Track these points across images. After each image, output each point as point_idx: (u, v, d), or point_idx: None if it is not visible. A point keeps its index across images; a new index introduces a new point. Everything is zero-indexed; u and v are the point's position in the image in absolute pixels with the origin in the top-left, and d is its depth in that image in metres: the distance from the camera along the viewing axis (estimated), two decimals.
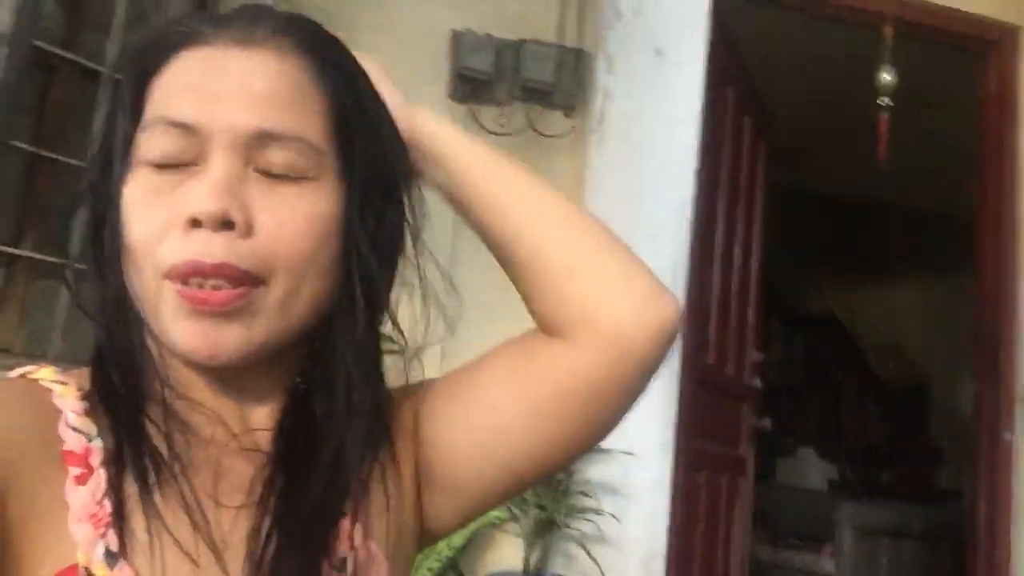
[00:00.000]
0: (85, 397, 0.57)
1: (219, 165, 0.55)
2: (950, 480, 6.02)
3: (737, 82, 2.94)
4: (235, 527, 0.57)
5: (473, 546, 1.96)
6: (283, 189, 0.57)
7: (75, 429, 0.54)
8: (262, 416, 0.61)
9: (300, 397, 0.61)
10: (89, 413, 0.56)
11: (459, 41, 2.34)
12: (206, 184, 0.55)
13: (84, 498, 0.52)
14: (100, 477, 0.53)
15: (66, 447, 0.53)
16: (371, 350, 0.63)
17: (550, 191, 0.70)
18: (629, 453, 2.06)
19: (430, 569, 1.65)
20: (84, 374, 0.59)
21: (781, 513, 5.15)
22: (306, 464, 0.59)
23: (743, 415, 3.05)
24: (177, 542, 0.53)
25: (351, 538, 0.60)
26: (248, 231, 0.55)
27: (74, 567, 0.50)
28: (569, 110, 2.38)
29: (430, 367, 2.14)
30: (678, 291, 2.31)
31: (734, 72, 2.90)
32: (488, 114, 2.34)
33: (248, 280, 0.55)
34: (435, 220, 2.37)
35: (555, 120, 2.37)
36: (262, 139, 0.56)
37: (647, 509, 2.14)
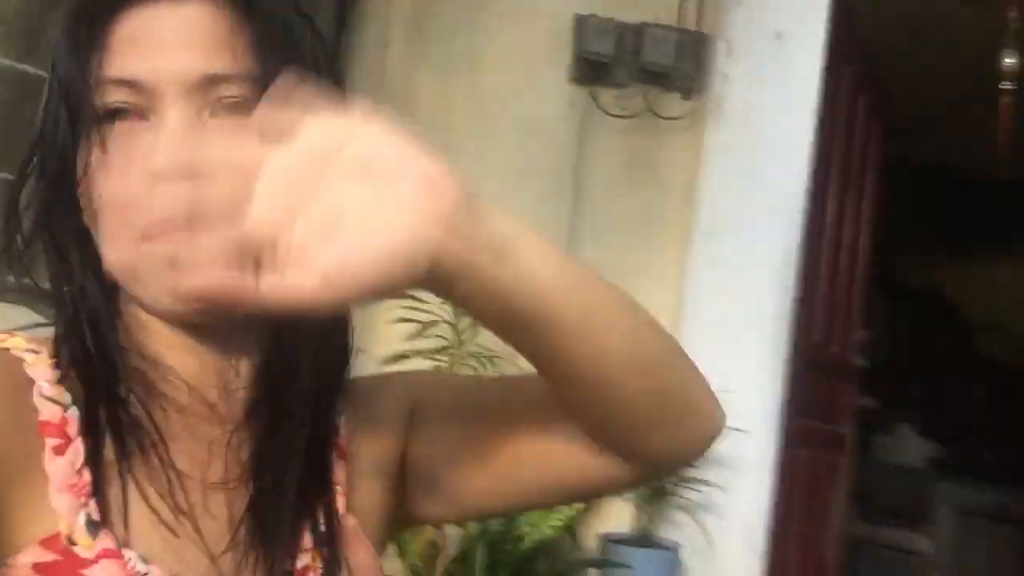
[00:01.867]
0: (58, 365, 0.55)
1: (173, 116, 0.54)
2: None
3: (855, 60, 2.93)
4: (213, 496, 0.57)
5: (587, 508, 2.10)
6: (240, 132, 0.58)
7: (50, 399, 0.53)
8: (239, 381, 0.60)
9: (272, 362, 0.59)
10: (62, 381, 0.55)
11: (582, 25, 2.41)
12: (164, 137, 0.53)
13: (63, 468, 0.52)
14: (78, 447, 0.53)
15: (42, 417, 0.53)
16: (337, 313, 0.59)
17: (642, 320, 0.56)
18: (740, 430, 2.15)
19: (552, 527, 1.80)
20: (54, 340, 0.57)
21: (876, 489, 5.13)
22: (281, 431, 0.58)
23: (846, 393, 3.09)
24: (155, 512, 0.54)
25: (333, 510, 0.61)
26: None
27: (56, 536, 0.50)
28: (688, 93, 2.44)
29: None
30: (789, 276, 2.36)
31: (854, 50, 2.88)
32: (607, 97, 2.42)
33: None
34: (551, 199, 2.45)
35: (673, 103, 2.43)
36: (211, 82, 0.55)
37: (752, 483, 2.23)
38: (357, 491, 0.64)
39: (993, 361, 6.60)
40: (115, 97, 0.54)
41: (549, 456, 0.63)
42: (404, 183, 0.41)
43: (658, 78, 2.43)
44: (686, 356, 0.59)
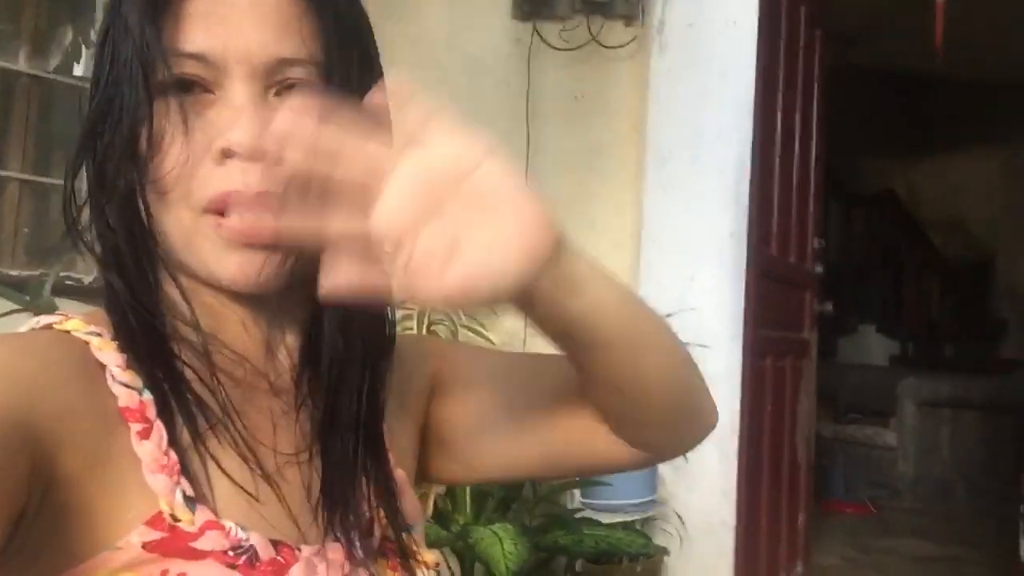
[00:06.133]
0: (123, 348, 0.56)
1: (240, 93, 0.55)
2: (1013, 352, 6.08)
3: None
4: (285, 461, 0.59)
5: None
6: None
7: (124, 384, 0.54)
8: (288, 350, 0.62)
9: (319, 333, 0.61)
10: (131, 365, 0.55)
11: None
12: (235, 114, 0.54)
13: (151, 450, 0.53)
14: (160, 428, 0.54)
15: (121, 403, 0.54)
16: None
17: (673, 341, 0.64)
18: (703, 346, 2.24)
19: None
20: (103, 318, 0.58)
21: (843, 390, 5.32)
22: (340, 400, 0.61)
23: (805, 301, 3.19)
24: (236, 483, 0.55)
25: (388, 467, 0.64)
26: (281, 157, 0.57)
27: (159, 514, 0.52)
28: (630, 20, 2.45)
29: None
30: (742, 191, 2.42)
31: None
32: (551, 30, 2.43)
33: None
34: (505, 138, 2.45)
35: (617, 31, 2.45)
36: (279, 65, 0.56)
37: (721, 395, 2.32)
38: (395, 445, 0.67)
39: (948, 257, 6.79)
40: (184, 69, 0.55)
41: (564, 436, 0.70)
42: (516, 222, 0.47)
43: (600, 7, 2.44)
44: (696, 366, 0.68)
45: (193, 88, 0.56)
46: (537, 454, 0.72)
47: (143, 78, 0.54)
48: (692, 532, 2.28)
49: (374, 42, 0.64)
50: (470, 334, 1.87)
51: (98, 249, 0.58)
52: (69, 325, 0.56)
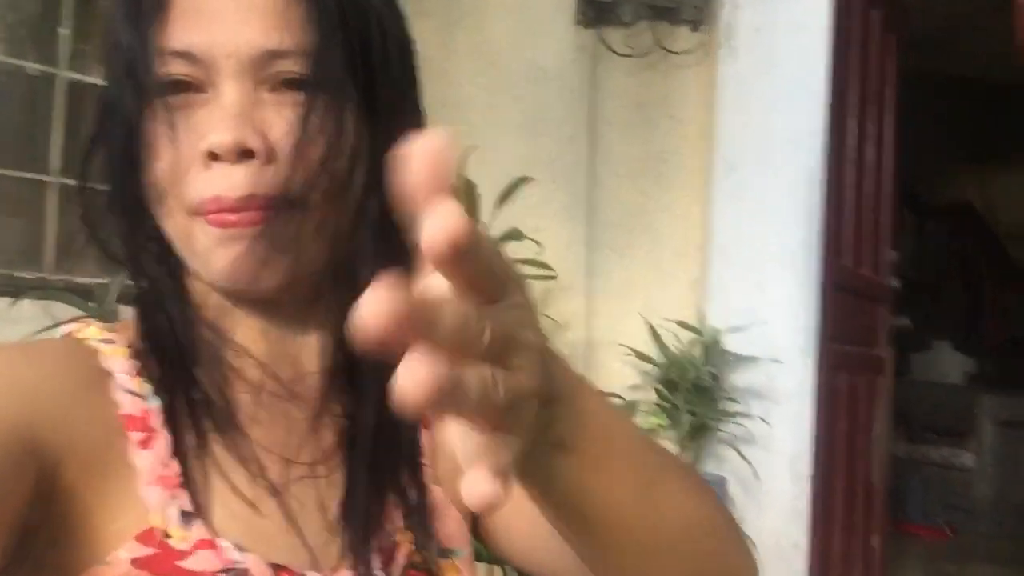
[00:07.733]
0: (135, 355, 0.55)
1: (228, 92, 0.52)
2: None
3: None
4: (296, 475, 0.56)
5: None
6: (298, 109, 0.53)
7: (129, 392, 0.53)
8: (312, 359, 0.58)
9: (346, 338, 0.55)
10: (141, 372, 0.54)
11: None
12: (218, 114, 0.52)
13: (150, 461, 0.51)
14: (163, 438, 0.52)
15: (123, 411, 0.52)
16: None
17: (705, 494, 0.54)
18: (776, 360, 2.16)
19: None
20: (130, 325, 0.57)
21: (917, 408, 5.12)
22: (363, 411, 0.57)
23: (880, 315, 3.07)
24: (240, 493, 0.53)
25: (423, 486, 0.60)
26: (270, 156, 0.52)
27: (151, 530, 0.50)
28: (696, 25, 2.39)
29: (576, 289, 2.28)
30: (814, 201, 2.34)
31: None
32: (616, 36, 2.38)
33: (278, 205, 0.53)
34: (568, 146, 2.44)
35: (683, 37, 2.39)
36: (269, 58, 0.53)
37: (792, 412, 2.23)
38: (441, 458, 0.62)
39: None
40: (174, 69, 0.53)
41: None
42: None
43: (665, 13, 2.39)
44: (735, 545, 0.55)
45: (185, 89, 0.53)
46: (549, 562, 0.62)
47: (133, 81, 0.53)
48: (763, 554, 2.19)
49: (385, 31, 0.57)
50: None
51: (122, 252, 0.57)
52: (86, 333, 0.56)
